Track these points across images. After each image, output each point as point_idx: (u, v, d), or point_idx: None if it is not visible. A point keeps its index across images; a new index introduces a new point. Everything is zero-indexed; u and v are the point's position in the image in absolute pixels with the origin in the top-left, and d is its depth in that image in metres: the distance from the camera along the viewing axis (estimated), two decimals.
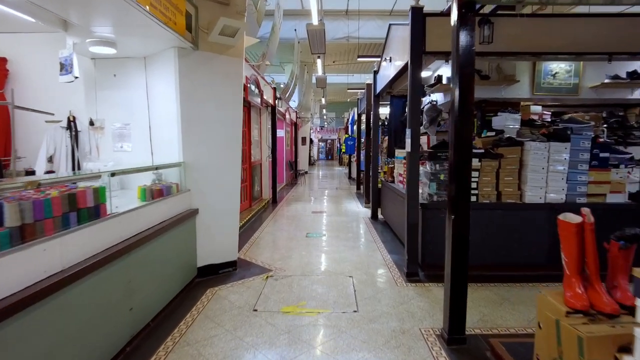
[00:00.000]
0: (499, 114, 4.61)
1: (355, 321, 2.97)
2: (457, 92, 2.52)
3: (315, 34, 6.99)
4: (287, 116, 12.90)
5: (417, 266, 3.96)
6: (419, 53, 3.75)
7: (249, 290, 3.60)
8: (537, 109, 5.47)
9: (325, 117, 28.59)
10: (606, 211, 3.66)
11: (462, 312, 2.61)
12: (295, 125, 15.96)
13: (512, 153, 3.92)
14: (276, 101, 9.45)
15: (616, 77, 4.71)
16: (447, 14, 3.87)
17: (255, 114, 8.22)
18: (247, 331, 2.82)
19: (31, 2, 2.53)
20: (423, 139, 5.84)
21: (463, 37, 2.48)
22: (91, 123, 3.98)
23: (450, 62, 3.60)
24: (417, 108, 3.94)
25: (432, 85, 5.29)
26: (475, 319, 3.00)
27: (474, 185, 3.87)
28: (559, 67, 4.89)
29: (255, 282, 3.81)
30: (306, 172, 18.57)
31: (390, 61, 5.24)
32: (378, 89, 6.62)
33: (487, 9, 3.90)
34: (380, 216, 7.11)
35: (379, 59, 6.35)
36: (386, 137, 8.19)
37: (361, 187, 10.53)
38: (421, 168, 4.15)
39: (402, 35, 4.42)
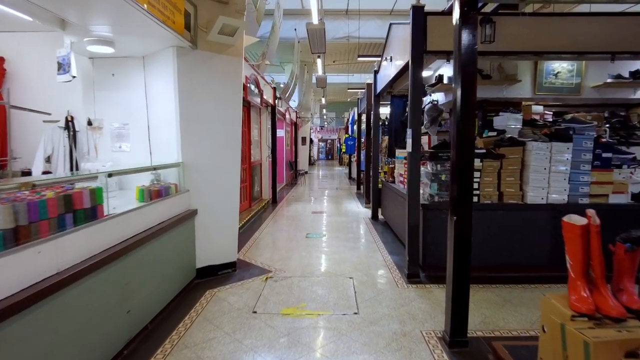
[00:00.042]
0: (500, 113, 4.58)
1: (355, 323, 2.94)
2: (459, 92, 2.48)
3: (316, 33, 6.97)
4: (287, 116, 12.87)
5: (418, 267, 3.93)
6: (420, 52, 3.71)
7: (248, 292, 3.57)
8: (538, 108, 5.43)
9: (325, 117, 28.56)
10: (609, 212, 3.62)
11: (464, 315, 2.58)
12: (295, 125, 15.93)
13: (514, 153, 3.89)
14: (276, 101, 9.42)
15: (619, 76, 4.68)
16: (448, 12, 3.84)
17: (255, 114, 8.19)
18: (246, 333, 2.79)
19: (28, 1, 2.50)
20: (424, 139, 5.80)
21: (465, 36, 2.45)
22: (89, 123, 3.94)
23: (451, 61, 3.58)
24: (418, 108, 3.91)
25: (433, 85, 5.26)
26: (477, 321, 2.96)
27: (475, 185, 3.83)
28: (561, 67, 4.86)
29: (254, 284, 3.78)
30: (306, 172, 18.54)
31: (391, 61, 5.21)
32: (378, 89, 6.59)
33: (489, 7, 3.85)
34: (380, 217, 7.08)
35: (380, 59, 6.32)
36: (386, 137, 8.17)
37: (361, 187, 10.49)
38: (422, 168, 4.12)
39: (402, 35, 4.38)
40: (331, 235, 5.81)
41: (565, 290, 1.89)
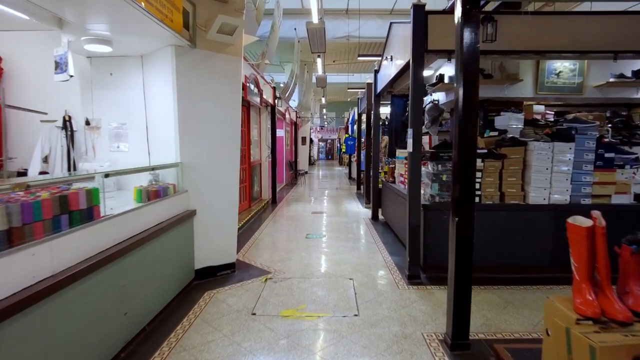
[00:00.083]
0: (501, 113, 4.54)
1: (356, 325, 2.91)
2: (461, 91, 2.45)
3: (316, 33, 6.93)
4: (287, 116, 12.83)
5: (419, 268, 3.89)
6: (421, 51, 3.68)
7: (247, 293, 3.53)
8: (539, 108, 5.40)
9: (325, 116, 28.51)
10: (611, 212, 3.56)
11: (466, 317, 2.54)
12: (295, 125, 15.89)
13: (516, 153, 3.85)
14: (276, 101, 9.38)
15: (621, 76, 4.64)
16: (449, 11, 3.81)
17: (254, 114, 8.15)
18: (245, 336, 2.75)
19: (25, 0, 2.47)
20: (425, 139, 5.76)
21: (467, 34, 2.41)
22: (87, 123, 3.91)
23: (452, 60, 3.55)
24: (419, 107, 3.87)
25: (433, 85, 5.22)
26: (479, 323, 2.93)
27: (476, 186, 3.80)
28: (563, 66, 4.82)
29: (254, 285, 3.74)
30: (306, 172, 18.51)
31: (391, 60, 5.18)
32: (379, 88, 6.55)
33: (491, 6, 3.82)
34: (380, 217, 7.04)
35: (380, 58, 6.28)
36: (385, 137, 8.13)
37: (361, 187, 10.46)
38: (423, 168, 4.08)
39: (403, 34, 4.35)
40: (331, 236, 5.78)
41: (568, 291, 1.86)
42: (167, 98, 3.57)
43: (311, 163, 23.66)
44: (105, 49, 3.32)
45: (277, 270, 4.18)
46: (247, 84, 6.53)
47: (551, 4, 5.43)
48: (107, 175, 2.55)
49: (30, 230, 1.80)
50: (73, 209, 2.11)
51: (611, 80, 4.70)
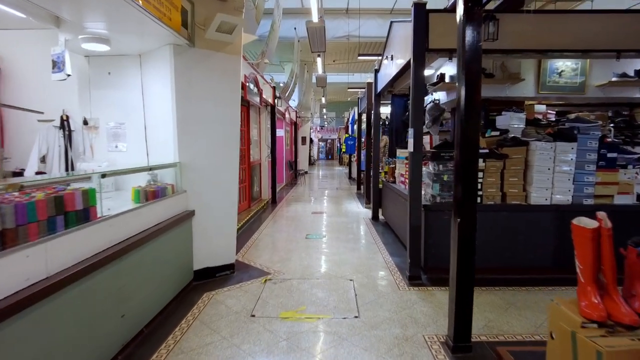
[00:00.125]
0: (503, 113, 4.50)
1: (356, 327, 2.87)
2: (463, 90, 2.41)
3: (316, 32, 6.90)
4: (287, 115, 12.79)
5: (420, 269, 3.86)
6: (422, 50, 3.64)
7: (246, 295, 3.50)
8: (541, 108, 5.37)
9: (325, 116, 28.48)
10: (614, 213, 3.53)
11: (468, 319, 2.50)
12: (295, 125, 15.86)
13: (517, 153, 3.82)
14: (276, 100, 9.35)
15: (624, 75, 4.60)
16: (451, 10, 3.77)
17: (254, 114, 8.12)
18: (244, 338, 2.72)
19: None
20: (425, 139, 5.74)
21: (469, 33, 2.38)
22: (85, 122, 3.87)
23: (453, 59, 3.51)
24: (419, 107, 3.83)
25: (434, 84, 5.18)
26: (481, 324, 2.89)
27: (478, 186, 3.77)
28: (565, 65, 4.78)
29: (253, 286, 3.71)
30: (306, 172, 18.47)
31: (392, 59, 5.14)
32: (379, 88, 6.52)
33: (492, 4, 3.79)
34: (381, 217, 7.00)
35: (380, 58, 6.25)
36: (385, 137, 8.10)
37: (361, 187, 10.42)
38: (424, 168, 4.05)
39: (404, 33, 4.31)
40: (331, 236, 5.74)
41: (570, 292, 1.82)
42: (166, 97, 3.53)
43: (311, 163, 23.63)
44: (103, 47, 3.28)
45: (276, 271, 4.14)
46: (247, 84, 6.49)
47: (553, 2, 5.39)
48: (104, 176, 2.51)
49: (25, 231, 1.76)
50: (69, 210, 2.07)
51: (613, 79, 4.66)
